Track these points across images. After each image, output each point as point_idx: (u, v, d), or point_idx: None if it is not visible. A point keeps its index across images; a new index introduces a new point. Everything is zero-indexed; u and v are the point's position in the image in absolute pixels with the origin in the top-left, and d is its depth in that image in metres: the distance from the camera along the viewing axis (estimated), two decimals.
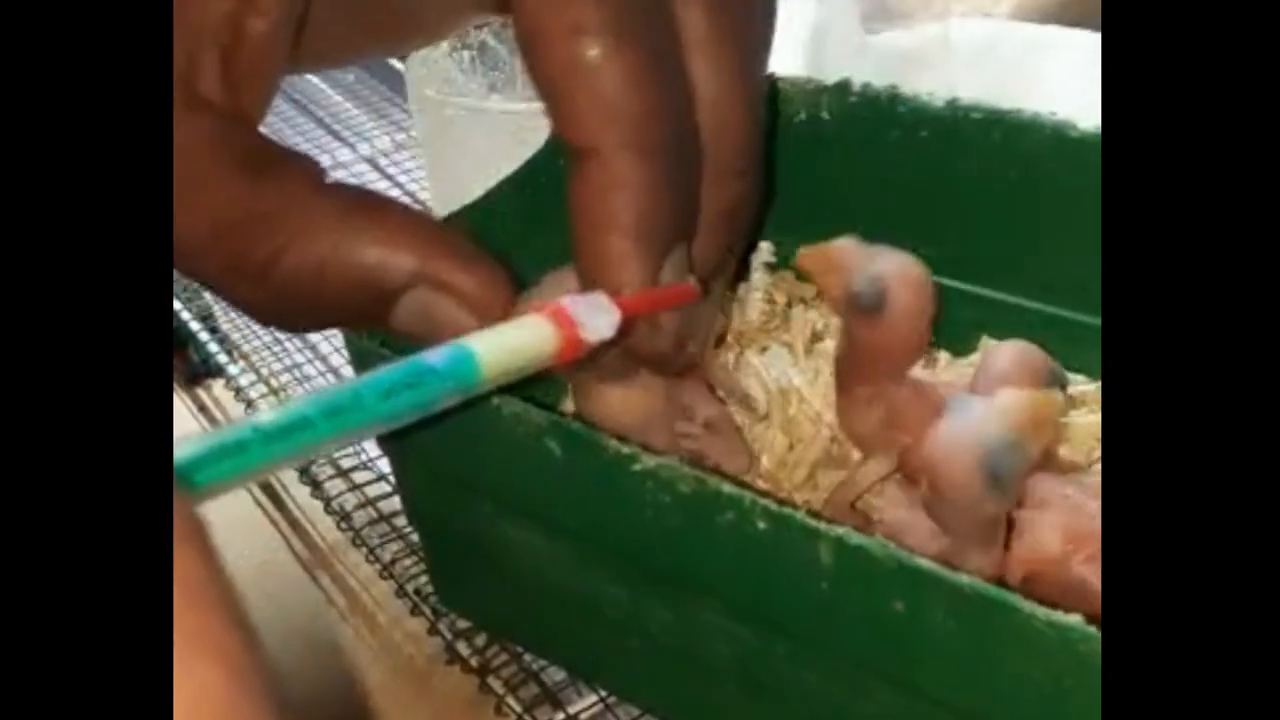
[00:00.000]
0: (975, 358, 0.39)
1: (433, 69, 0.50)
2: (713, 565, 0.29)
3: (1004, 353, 0.33)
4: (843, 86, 0.39)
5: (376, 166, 0.67)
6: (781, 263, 0.42)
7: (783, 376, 0.39)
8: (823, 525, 0.26)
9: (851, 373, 0.35)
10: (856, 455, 0.37)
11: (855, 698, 0.29)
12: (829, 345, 0.41)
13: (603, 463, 0.29)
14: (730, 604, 0.30)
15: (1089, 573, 0.30)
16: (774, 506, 0.27)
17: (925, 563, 0.25)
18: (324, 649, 0.42)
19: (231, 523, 0.46)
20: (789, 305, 0.42)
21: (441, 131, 0.48)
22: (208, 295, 0.56)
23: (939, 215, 0.38)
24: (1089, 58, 0.45)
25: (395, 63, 0.68)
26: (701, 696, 0.33)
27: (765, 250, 0.42)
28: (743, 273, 0.42)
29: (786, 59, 0.46)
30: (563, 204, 0.28)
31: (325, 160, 0.65)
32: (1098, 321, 0.37)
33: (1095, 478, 0.33)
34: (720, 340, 0.41)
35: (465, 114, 0.48)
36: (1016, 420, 0.27)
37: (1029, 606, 0.24)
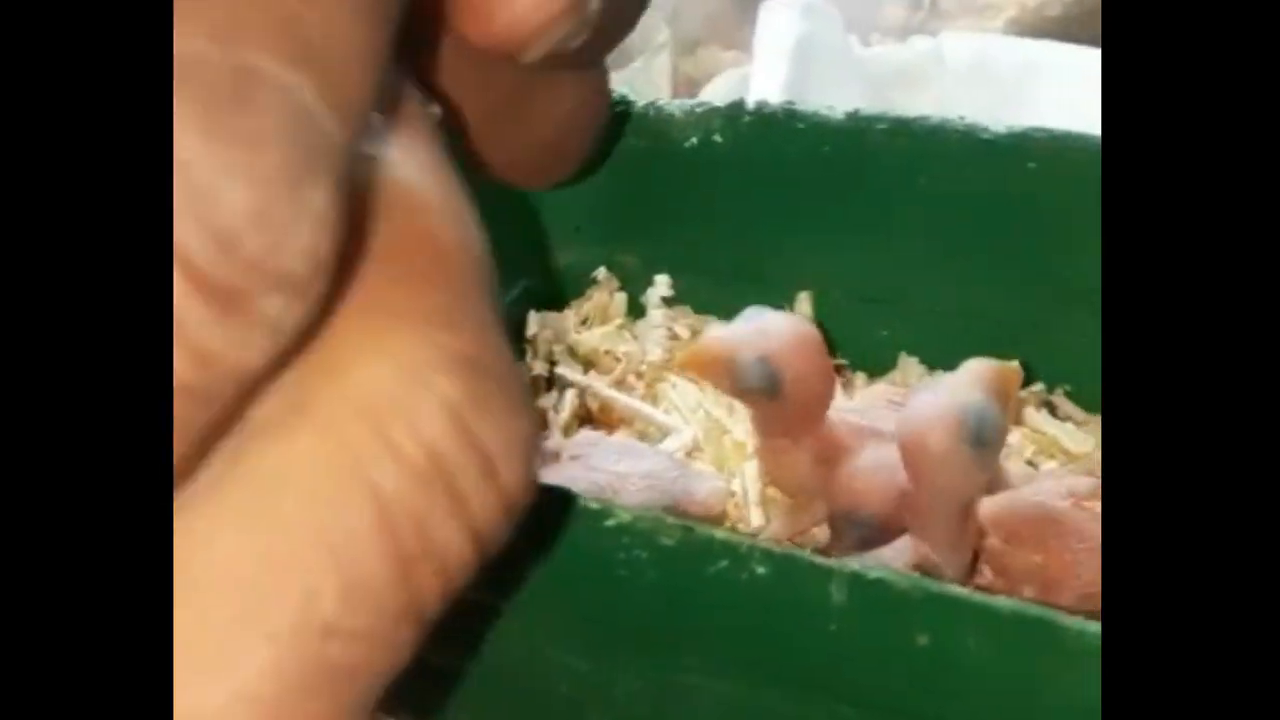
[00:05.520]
0: (894, 375, 0.38)
1: None
2: (698, 620, 0.26)
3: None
4: (736, 107, 0.37)
5: None
6: (679, 297, 0.40)
7: (698, 410, 0.37)
8: (834, 562, 0.24)
9: (768, 432, 0.33)
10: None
11: None
12: None
13: (568, 521, 0.26)
14: (717, 660, 0.27)
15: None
16: (775, 548, 0.25)
17: (956, 589, 0.23)
18: None
19: None
20: (691, 339, 0.40)
21: None
22: None
23: (848, 232, 0.37)
24: (1084, 73, 0.45)
25: None
26: None
27: (662, 284, 0.40)
28: (640, 309, 0.40)
29: (767, 76, 0.45)
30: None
31: None
32: (1020, 327, 0.36)
33: (1050, 485, 0.32)
34: (620, 380, 0.39)
35: None
36: (988, 383, 0.26)
37: (1077, 623, 0.22)
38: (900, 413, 0.28)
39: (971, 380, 0.27)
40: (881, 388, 0.37)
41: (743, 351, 0.30)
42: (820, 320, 0.37)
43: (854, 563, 0.24)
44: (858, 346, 0.37)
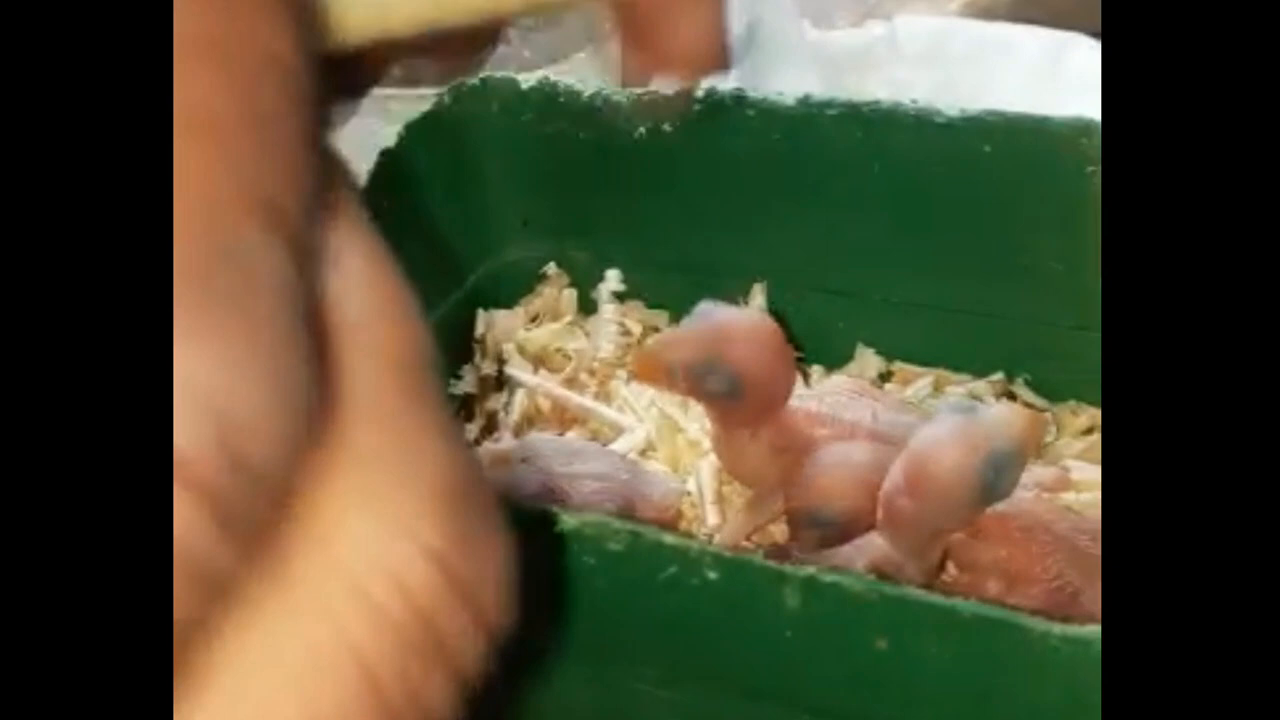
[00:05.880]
0: (851, 367, 0.37)
1: None
2: (648, 628, 0.25)
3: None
4: (683, 95, 0.36)
5: None
6: (631, 292, 0.39)
7: (651, 408, 0.36)
8: (787, 567, 0.23)
9: (727, 425, 0.32)
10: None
11: None
12: None
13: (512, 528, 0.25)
14: (670, 668, 0.26)
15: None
16: (726, 553, 0.24)
17: (914, 592, 0.23)
18: None
19: None
20: (643, 335, 0.39)
21: None
22: None
23: (802, 220, 0.36)
24: (1039, 55, 0.44)
25: None
26: None
27: (613, 279, 0.38)
28: (591, 304, 0.39)
29: None
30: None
31: None
32: (977, 314, 0.35)
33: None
34: (571, 379, 0.38)
35: None
36: (1020, 434, 0.25)
37: (1040, 624, 0.21)
38: (923, 430, 0.27)
39: (1008, 423, 0.26)
40: (841, 379, 0.36)
41: (699, 357, 0.28)
42: (775, 312, 0.36)
43: (809, 567, 0.23)
44: (814, 338, 0.36)
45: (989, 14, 0.48)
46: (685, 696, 0.26)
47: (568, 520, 0.24)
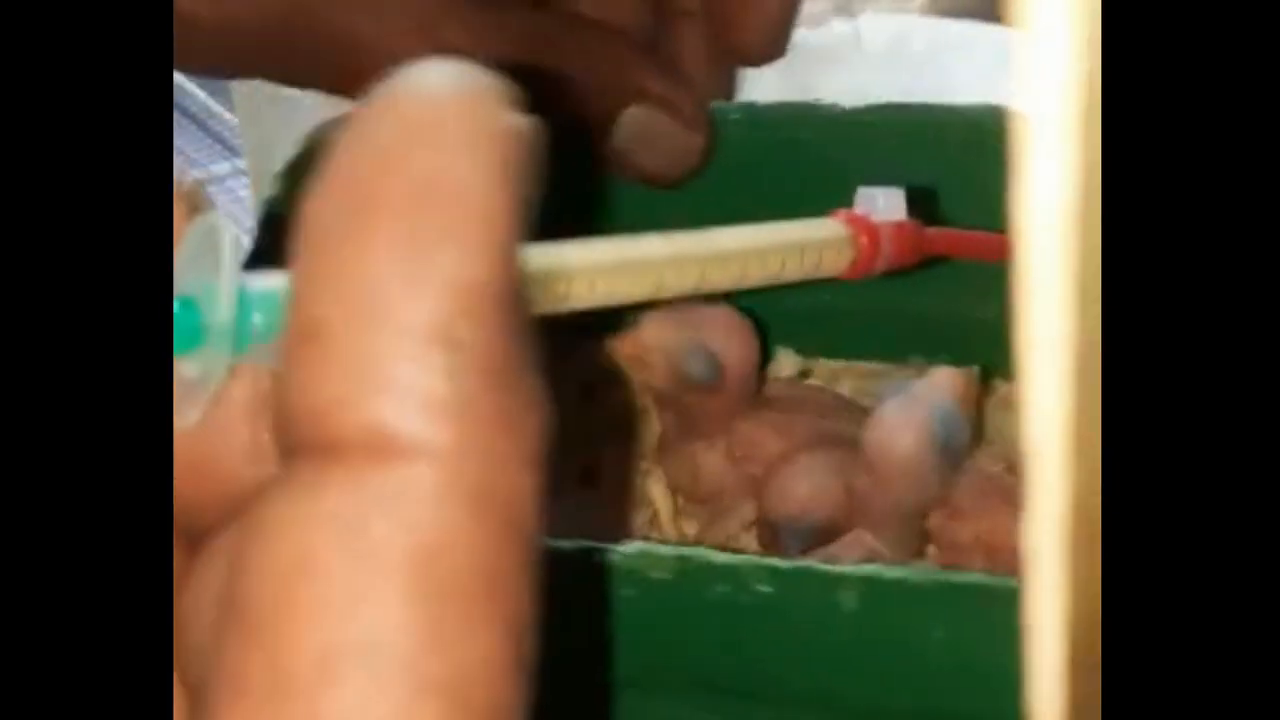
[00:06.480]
0: (772, 368, 0.37)
1: None
2: (692, 651, 0.25)
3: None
4: None
5: None
6: None
7: None
8: (845, 569, 0.23)
9: (686, 436, 0.33)
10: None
11: None
12: None
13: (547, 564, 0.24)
14: (711, 688, 0.26)
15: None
16: (781, 564, 0.24)
17: (974, 577, 0.23)
18: None
19: None
20: None
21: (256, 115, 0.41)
22: None
23: (698, 221, 0.36)
24: (1004, 53, 0.44)
25: None
26: None
27: None
28: None
29: None
30: None
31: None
32: (960, 321, 0.36)
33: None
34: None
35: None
36: (956, 390, 0.27)
37: None
38: (871, 417, 0.28)
39: (941, 386, 0.27)
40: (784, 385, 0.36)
41: (680, 338, 0.29)
42: None
43: (868, 567, 0.23)
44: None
45: (954, 12, 0.49)
46: (724, 715, 0.26)
47: (608, 553, 0.24)
